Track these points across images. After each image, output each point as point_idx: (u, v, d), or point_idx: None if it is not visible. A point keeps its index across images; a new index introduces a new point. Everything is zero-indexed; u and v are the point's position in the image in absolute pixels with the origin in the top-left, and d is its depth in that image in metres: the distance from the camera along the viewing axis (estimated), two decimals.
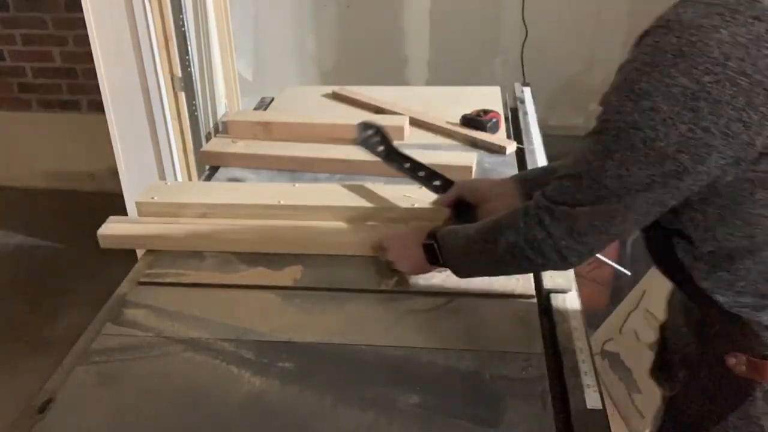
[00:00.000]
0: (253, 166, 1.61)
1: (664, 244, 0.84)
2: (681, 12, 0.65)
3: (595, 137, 0.75)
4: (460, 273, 1.05)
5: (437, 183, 1.28)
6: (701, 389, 0.86)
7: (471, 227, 1.01)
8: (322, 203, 1.30)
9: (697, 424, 0.86)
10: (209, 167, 1.67)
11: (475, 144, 1.67)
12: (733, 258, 0.77)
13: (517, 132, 1.79)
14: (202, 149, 1.75)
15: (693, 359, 0.87)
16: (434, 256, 1.06)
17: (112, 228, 1.30)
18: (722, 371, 0.81)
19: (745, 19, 0.61)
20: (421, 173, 1.31)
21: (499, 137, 1.68)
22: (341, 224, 1.28)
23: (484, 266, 1.00)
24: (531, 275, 1.16)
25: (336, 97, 2.01)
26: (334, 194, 1.34)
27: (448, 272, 1.17)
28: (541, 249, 0.85)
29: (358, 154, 1.44)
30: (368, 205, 1.29)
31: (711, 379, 0.84)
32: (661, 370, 0.96)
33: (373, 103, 1.89)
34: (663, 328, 1.01)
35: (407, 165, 1.32)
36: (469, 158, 1.53)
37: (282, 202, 1.29)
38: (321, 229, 1.26)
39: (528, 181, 1.14)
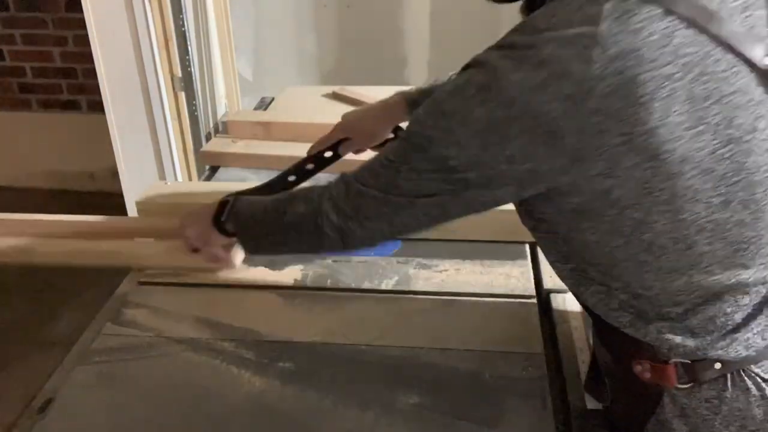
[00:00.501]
0: (254, 166, 1.61)
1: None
2: (489, 54, 0.71)
3: (400, 141, 0.80)
4: (247, 245, 1.02)
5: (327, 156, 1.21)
6: (623, 398, 0.87)
7: (275, 196, 0.99)
8: None
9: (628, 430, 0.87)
10: (209, 167, 1.67)
11: None
12: (592, 279, 0.79)
13: None
14: (202, 149, 1.74)
15: (611, 369, 0.88)
16: (221, 216, 1.01)
17: None
18: (633, 379, 0.81)
19: (531, 65, 0.65)
20: (306, 168, 1.22)
21: None
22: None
23: (268, 238, 0.97)
24: (531, 275, 1.16)
25: (336, 97, 2.01)
26: None
27: (449, 272, 1.17)
28: (325, 225, 0.85)
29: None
30: None
31: (627, 388, 0.85)
32: (593, 380, 0.96)
33: (374, 95, 1.88)
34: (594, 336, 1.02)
35: (290, 179, 1.22)
36: None
37: None
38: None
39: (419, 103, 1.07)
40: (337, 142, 1.19)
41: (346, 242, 0.86)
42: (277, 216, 0.93)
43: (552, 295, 1.12)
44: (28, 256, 1.25)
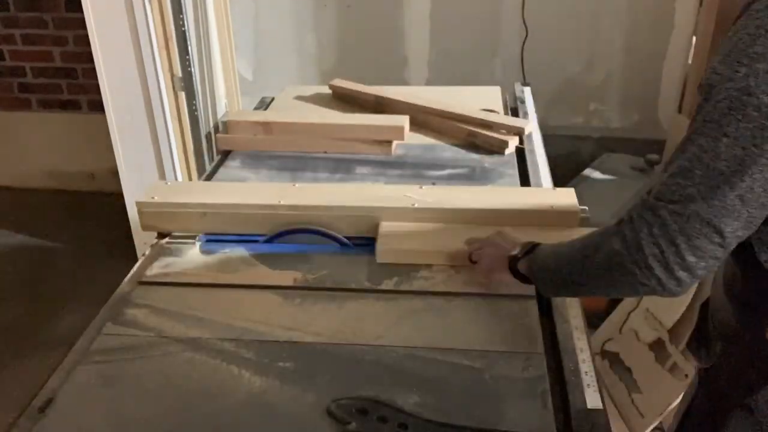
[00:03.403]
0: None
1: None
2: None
3: (701, 118, 0.72)
4: (547, 289, 1.00)
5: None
6: (736, 362, 0.89)
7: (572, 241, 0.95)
8: (322, 203, 1.29)
9: (729, 395, 0.89)
10: (218, 157, 1.66)
11: (475, 144, 1.67)
12: None
13: None
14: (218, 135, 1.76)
15: (732, 332, 0.89)
16: (517, 261, 1.02)
17: None
18: (759, 344, 0.83)
19: None
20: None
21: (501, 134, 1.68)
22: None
23: (574, 281, 0.92)
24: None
25: (336, 96, 2.01)
26: (335, 194, 1.33)
27: (449, 272, 1.17)
28: (645, 259, 0.77)
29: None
30: (369, 205, 1.29)
31: (747, 352, 0.86)
32: (698, 342, 0.97)
33: (373, 95, 1.88)
34: (704, 303, 1.02)
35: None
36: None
37: (282, 202, 1.29)
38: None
39: None
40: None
41: (674, 276, 0.77)
42: (584, 257, 0.88)
43: None
44: None
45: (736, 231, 0.74)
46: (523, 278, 1.03)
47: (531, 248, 1.02)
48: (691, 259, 0.75)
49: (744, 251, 0.83)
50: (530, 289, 1.12)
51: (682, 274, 0.76)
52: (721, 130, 0.69)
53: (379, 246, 1.21)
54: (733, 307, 0.88)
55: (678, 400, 1.32)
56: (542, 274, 0.98)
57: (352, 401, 0.89)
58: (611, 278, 0.84)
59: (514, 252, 1.04)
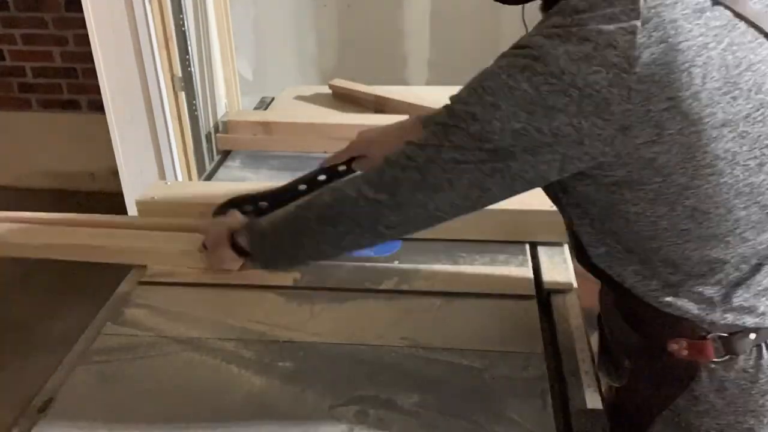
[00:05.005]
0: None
1: (575, 243, 0.87)
2: (531, 35, 0.73)
3: (439, 122, 0.79)
4: (262, 257, 1.04)
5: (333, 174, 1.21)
6: (647, 377, 0.88)
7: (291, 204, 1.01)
8: None
9: (646, 410, 0.88)
10: (218, 157, 1.65)
11: None
12: (630, 258, 0.81)
13: None
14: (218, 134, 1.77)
15: (635, 349, 0.89)
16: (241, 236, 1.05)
17: None
18: (666, 358, 0.83)
19: (577, 39, 0.68)
20: (317, 179, 1.20)
21: None
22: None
23: (287, 241, 0.98)
24: (531, 275, 1.16)
25: (336, 96, 2.01)
26: None
27: (449, 272, 1.17)
28: (360, 201, 0.85)
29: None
30: None
31: (656, 367, 0.86)
32: (605, 362, 0.97)
33: (373, 94, 1.88)
34: (601, 321, 1.03)
35: (301, 188, 1.19)
36: None
37: None
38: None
39: None
40: (351, 158, 1.19)
41: (379, 227, 0.85)
42: (299, 214, 0.94)
43: (552, 295, 1.12)
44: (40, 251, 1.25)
45: (439, 209, 0.82)
46: (245, 253, 1.06)
47: (247, 225, 1.05)
48: (395, 218, 0.84)
49: (623, 290, 0.84)
50: (530, 289, 1.12)
51: (386, 231, 0.86)
52: (447, 136, 0.78)
53: None
54: (630, 326, 0.89)
55: None
56: (259, 241, 1.02)
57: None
58: (319, 231, 0.91)
59: (236, 226, 1.06)
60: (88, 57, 2.09)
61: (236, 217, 1.12)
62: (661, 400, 0.86)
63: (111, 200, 2.08)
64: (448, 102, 0.81)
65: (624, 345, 0.91)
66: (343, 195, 0.88)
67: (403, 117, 1.71)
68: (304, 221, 0.94)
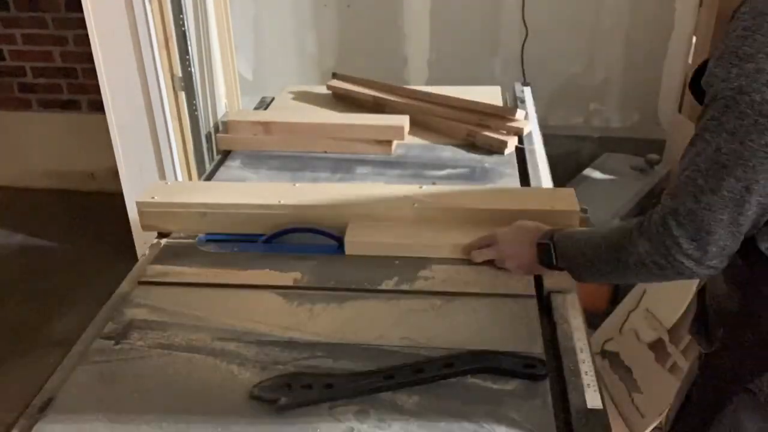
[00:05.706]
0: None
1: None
2: (744, 5, 0.71)
3: (705, 116, 0.77)
4: (579, 277, 1.06)
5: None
6: (739, 346, 0.90)
7: (590, 232, 1.03)
8: (322, 203, 1.30)
9: (731, 380, 0.92)
10: (218, 157, 1.66)
11: (474, 144, 1.67)
12: None
13: None
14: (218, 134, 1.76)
15: (733, 317, 0.91)
16: (548, 257, 1.07)
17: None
18: (763, 329, 0.85)
19: None
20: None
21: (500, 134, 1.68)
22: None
23: (610, 274, 1.00)
24: (532, 275, 1.16)
25: (336, 96, 2.01)
26: (335, 194, 1.34)
27: (449, 272, 1.17)
28: (674, 257, 0.84)
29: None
30: (369, 204, 1.29)
31: (751, 336, 0.88)
32: (699, 328, 1.00)
33: (372, 95, 1.88)
34: (701, 290, 1.05)
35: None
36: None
37: (282, 202, 1.29)
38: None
39: None
40: None
41: (703, 264, 0.84)
42: (616, 255, 0.94)
43: (552, 295, 1.12)
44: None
45: (747, 219, 0.79)
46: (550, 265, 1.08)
47: (553, 246, 1.06)
48: (713, 249, 0.81)
49: (745, 240, 0.86)
50: (530, 289, 1.12)
51: (711, 262, 0.83)
52: (721, 127, 0.75)
53: (347, 237, 1.23)
54: (735, 293, 0.90)
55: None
56: (570, 264, 1.04)
57: (273, 380, 0.93)
58: (648, 275, 0.91)
59: (543, 241, 1.08)
60: (88, 57, 2.09)
61: (530, 229, 1.14)
62: (750, 370, 0.87)
63: (111, 200, 2.08)
64: (708, 92, 0.78)
65: (721, 313, 0.93)
66: (659, 244, 0.86)
67: (403, 117, 1.72)
68: (624, 265, 0.94)
